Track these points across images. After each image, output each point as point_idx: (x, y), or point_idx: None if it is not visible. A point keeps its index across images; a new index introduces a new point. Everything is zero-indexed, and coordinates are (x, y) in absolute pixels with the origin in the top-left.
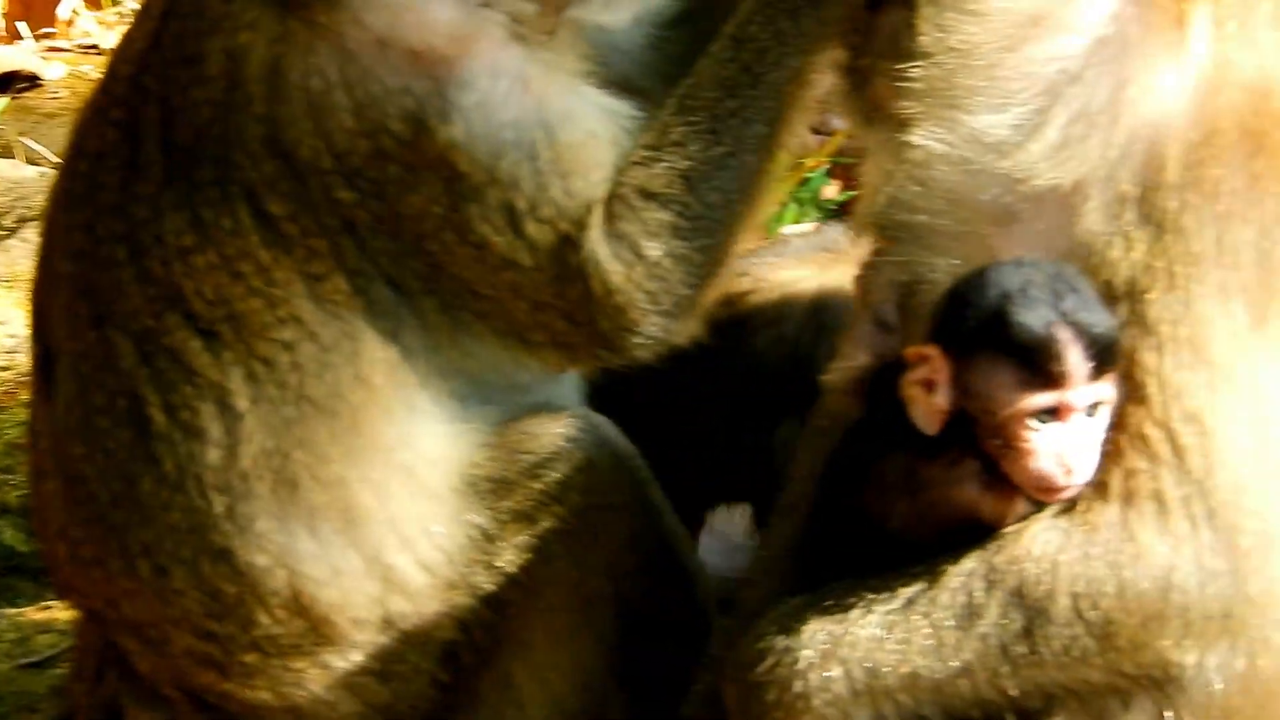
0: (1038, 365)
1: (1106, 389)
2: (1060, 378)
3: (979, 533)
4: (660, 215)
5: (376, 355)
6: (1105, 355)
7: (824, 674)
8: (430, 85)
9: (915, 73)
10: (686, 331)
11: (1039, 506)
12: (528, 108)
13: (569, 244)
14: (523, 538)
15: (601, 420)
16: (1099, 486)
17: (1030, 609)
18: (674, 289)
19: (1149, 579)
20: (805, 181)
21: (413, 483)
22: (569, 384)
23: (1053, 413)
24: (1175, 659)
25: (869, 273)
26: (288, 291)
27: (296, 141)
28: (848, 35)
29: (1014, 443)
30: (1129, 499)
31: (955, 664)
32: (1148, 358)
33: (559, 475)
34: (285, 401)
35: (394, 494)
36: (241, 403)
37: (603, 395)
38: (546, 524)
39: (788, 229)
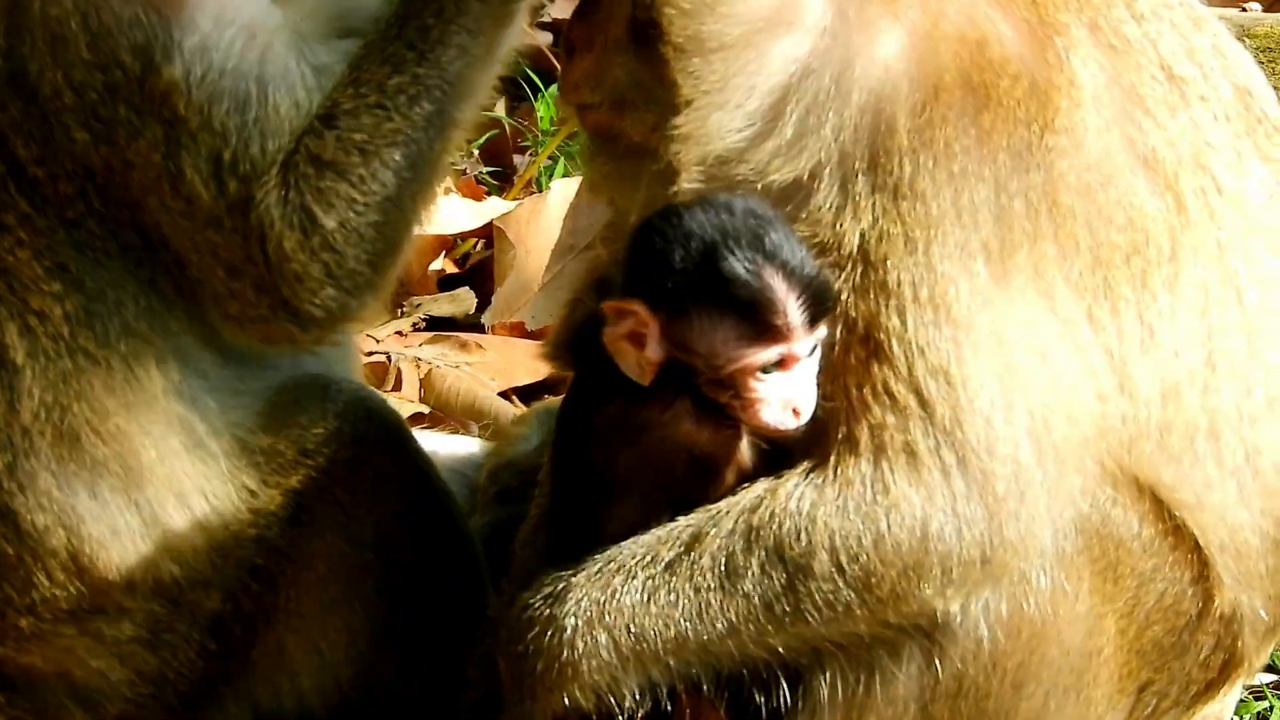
0: (762, 322)
1: (822, 331)
2: (784, 331)
3: (705, 472)
4: (334, 185)
5: (140, 302)
6: (821, 302)
7: (590, 641)
8: (158, 21)
9: (677, 120)
10: (366, 309)
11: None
12: (250, 60)
13: (252, 204)
14: (291, 510)
15: (370, 392)
16: (850, 441)
17: (791, 566)
18: (348, 263)
19: (905, 529)
20: (574, 136)
21: (189, 437)
22: (340, 357)
23: (778, 363)
24: (939, 607)
25: (610, 234)
26: (52, 240)
27: (39, 76)
28: (587, 79)
29: (742, 393)
30: (880, 452)
31: (721, 625)
32: (889, 320)
33: (327, 448)
34: (61, 354)
35: (172, 448)
36: (18, 356)
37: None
38: (315, 497)
39: (556, 184)
